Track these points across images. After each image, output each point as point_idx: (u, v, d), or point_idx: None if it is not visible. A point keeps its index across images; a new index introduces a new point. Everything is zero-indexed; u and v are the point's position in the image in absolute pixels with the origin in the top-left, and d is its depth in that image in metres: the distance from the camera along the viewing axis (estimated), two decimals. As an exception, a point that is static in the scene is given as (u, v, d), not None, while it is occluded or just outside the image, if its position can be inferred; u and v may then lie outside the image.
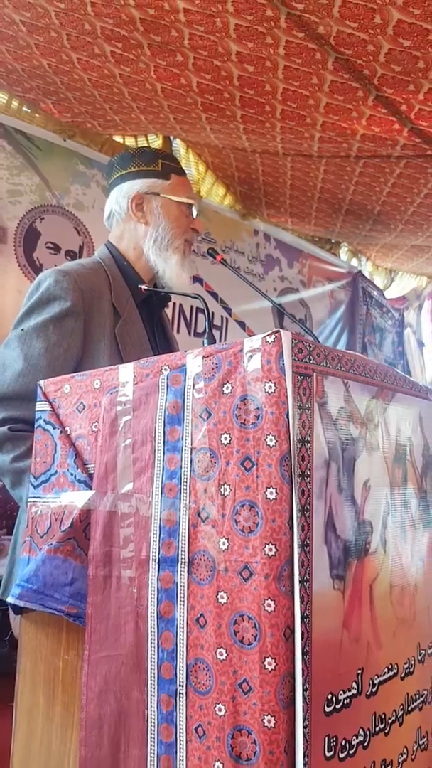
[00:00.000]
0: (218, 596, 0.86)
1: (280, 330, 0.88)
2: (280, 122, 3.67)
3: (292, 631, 0.83)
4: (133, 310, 1.49)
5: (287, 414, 0.85)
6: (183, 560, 0.90)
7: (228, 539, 0.86)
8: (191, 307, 4.49)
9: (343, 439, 0.97)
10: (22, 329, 1.40)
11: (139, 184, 1.56)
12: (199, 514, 0.90)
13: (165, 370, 0.97)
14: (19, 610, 1.05)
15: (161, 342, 1.57)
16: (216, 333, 4.55)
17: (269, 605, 0.82)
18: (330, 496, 0.92)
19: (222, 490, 0.88)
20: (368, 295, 5.98)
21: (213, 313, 4.62)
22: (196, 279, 4.39)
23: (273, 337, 0.87)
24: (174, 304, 4.25)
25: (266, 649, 0.82)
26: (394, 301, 6.85)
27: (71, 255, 4.04)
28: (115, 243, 1.60)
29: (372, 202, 4.67)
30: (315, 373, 0.91)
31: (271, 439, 0.85)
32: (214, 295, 4.64)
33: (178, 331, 4.38)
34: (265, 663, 0.82)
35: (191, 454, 0.92)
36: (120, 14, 2.94)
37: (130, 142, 4.63)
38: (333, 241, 5.91)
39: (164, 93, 3.66)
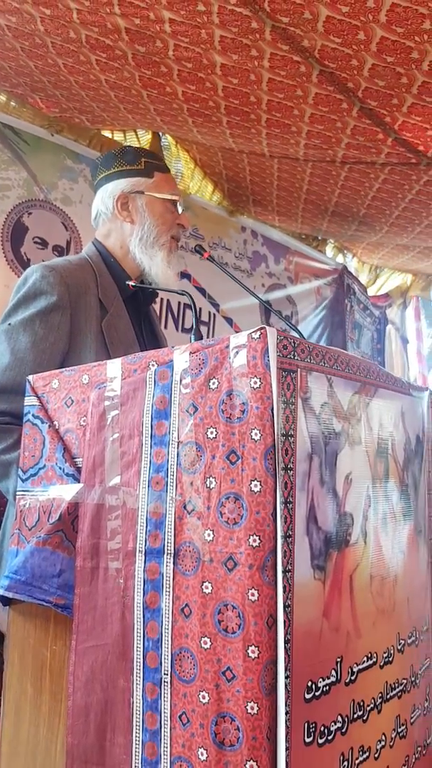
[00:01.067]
0: (203, 586, 0.88)
1: (266, 327, 0.90)
2: (265, 129, 3.69)
3: (275, 620, 0.85)
4: (120, 305, 1.50)
5: (272, 409, 0.87)
6: (169, 551, 0.92)
7: (213, 531, 0.88)
8: (179, 303, 4.51)
9: (326, 433, 0.99)
10: (9, 323, 1.41)
11: (123, 183, 1.58)
12: (185, 507, 0.92)
13: (152, 365, 0.99)
14: (7, 601, 1.07)
15: (148, 337, 1.59)
16: (203, 329, 4.56)
17: (253, 595, 0.85)
18: (312, 489, 0.95)
19: (208, 482, 0.90)
20: (352, 292, 6.03)
21: (200, 309, 4.63)
22: (184, 275, 4.40)
23: (258, 333, 0.89)
24: (161, 300, 4.26)
25: (250, 638, 0.84)
26: (377, 299, 6.89)
27: (59, 250, 4.04)
28: (102, 241, 1.62)
29: (357, 204, 4.70)
30: (299, 369, 0.94)
31: (256, 433, 0.87)
32: (202, 291, 4.66)
33: (165, 326, 4.40)
34: (249, 651, 0.84)
35: (178, 447, 0.94)
36: (105, 23, 2.94)
37: (118, 137, 4.62)
38: (319, 237, 5.94)
39: (150, 98, 3.67)
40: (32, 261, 3.89)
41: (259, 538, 0.85)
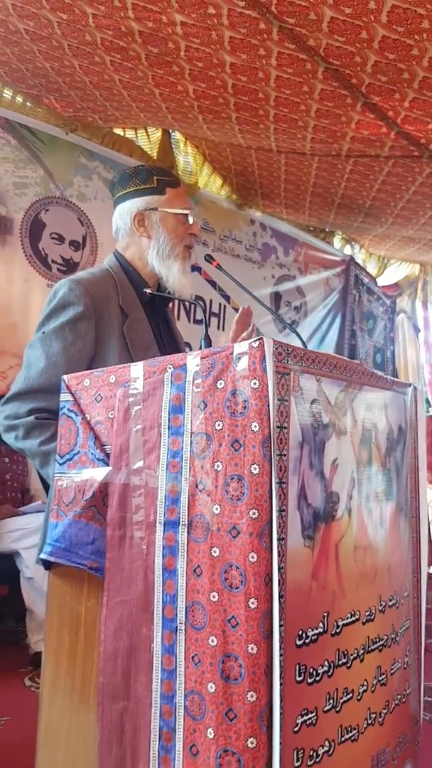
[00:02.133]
0: (212, 551, 1.07)
1: (263, 337, 1.08)
2: (273, 124, 3.84)
3: (271, 578, 1.04)
4: (140, 310, 1.69)
5: (268, 405, 1.06)
6: (183, 523, 1.11)
7: (220, 505, 1.07)
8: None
9: (315, 425, 1.18)
10: (43, 332, 1.61)
11: (139, 202, 1.74)
12: (197, 486, 1.11)
13: (169, 368, 1.18)
14: (48, 565, 1.27)
15: (166, 337, 1.78)
16: (214, 320, 4.75)
17: (253, 557, 1.04)
18: (303, 472, 1.13)
19: (215, 466, 1.09)
20: (360, 282, 6.17)
21: (211, 301, 4.81)
22: (195, 268, 4.58)
23: (257, 343, 1.08)
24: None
25: (250, 592, 1.03)
26: (386, 288, 7.04)
27: (75, 245, 4.23)
28: (122, 252, 1.80)
29: (363, 197, 4.85)
30: (292, 372, 1.12)
31: (255, 426, 1.06)
32: (213, 284, 4.84)
33: (178, 318, 4.60)
34: (249, 603, 1.03)
35: (191, 437, 1.13)
36: (119, 26, 3.10)
37: (130, 134, 4.79)
38: (327, 229, 6.09)
39: (162, 97, 3.83)
40: (50, 256, 4.09)
41: (258, 511, 1.04)
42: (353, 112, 3.52)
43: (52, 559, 1.22)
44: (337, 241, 6.27)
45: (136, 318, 1.66)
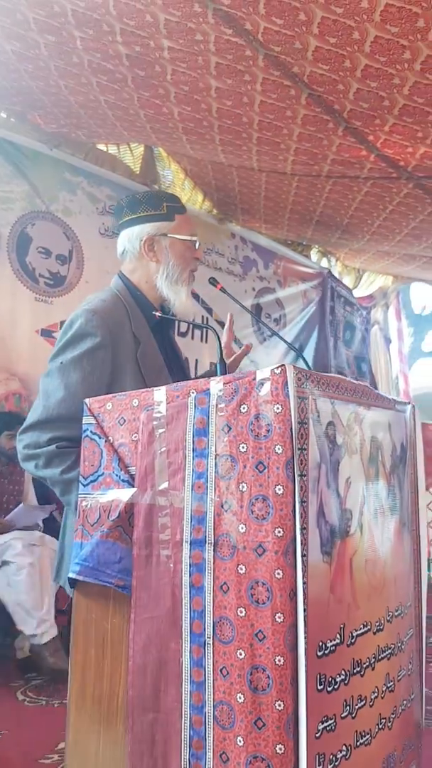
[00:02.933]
0: (238, 568, 1.13)
1: (285, 364, 1.15)
2: (256, 146, 3.93)
3: (295, 593, 1.10)
4: (149, 334, 1.74)
5: (291, 429, 1.12)
6: (210, 541, 1.17)
7: (246, 524, 1.14)
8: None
9: (330, 446, 1.25)
10: (61, 362, 1.64)
11: (149, 227, 1.79)
12: (222, 506, 1.17)
13: (192, 393, 1.23)
14: (73, 585, 1.32)
15: (172, 358, 1.83)
16: (197, 332, 4.81)
17: (278, 574, 1.10)
18: (321, 491, 1.20)
19: (240, 487, 1.15)
20: (338, 294, 6.30)
21: (194, 314, 4.87)
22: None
23: (279, 369, 1.14)
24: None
25: (277, 607, 1.09)
26: (362, 300, 7.18)
27: (62, 259, 4.26)
28: (128, 275, 1.84)
29: (341, 215, 4.97)
30: (310, 396, 1.19)
31: (278, 448, 1.13)
32: (195, 297, 4.90)
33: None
34: (276, 617, 1.09)
35: (215, 459, 1.18)
36: (107, 49, 3.16)
37: (113, 150, 4.85)
38: (304, 243, 6.21)
39: (147, 117, 3.89)
40: (37, 270, 4.13)
41: (283, 530, 1.11)
42: (335, 136, 3.62)
43: (81, 578, 1.26)
44: (313, 254, 6.39)
45: (147, 343, 1.71)
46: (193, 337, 4.86)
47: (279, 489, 1.12)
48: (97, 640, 1.29)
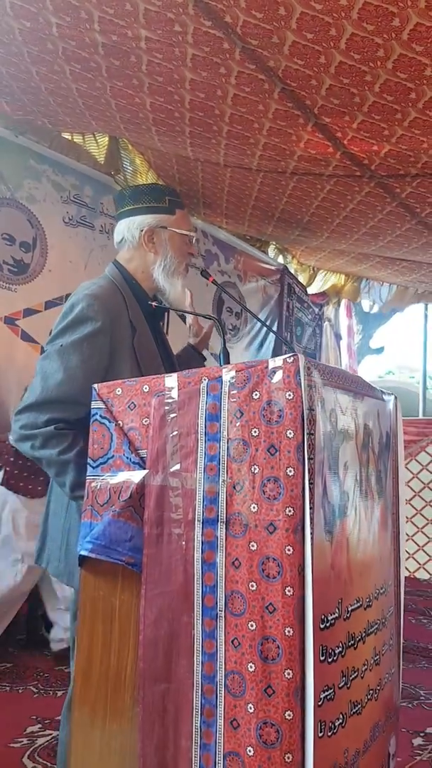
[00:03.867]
0: (250, 545, 1.20)
1: (297, 354, 1.22)
2: (225, 140, 3.98)
3: (303, 568, 1.17)
4: (144, 322, 1.78)
5: (302, 414, 1.19)
6: (222, 520, 1.23)
7: (257, 504, 1.20)
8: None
9: (332, 431, 1.32)
10: (61, 345, 1.66)
11: (150, 218, 1.83)
12: (234, 487, 1.23)
13: (204, 380, 1.29)
14: (81, 563, 1.36)
15: (162, 346, 1.88)
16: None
17: (289, 550, 1.17)
18: (325, 474, 1.28)
19: (252, 469, 1.21)
20: (292, 291, 6.42)
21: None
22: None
23: (292, 359, 1.21)
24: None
25: (287, 581, 1.16)
26: (315, 297, 7.33)
27: (25, 246, 4.23)
28: (124, 264, 1.87)
29: (302, 213, 5.06)
30: (317, 385, 1.26)
31: (290, 433, 1.19)
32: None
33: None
34: (286, 590, 1.16)
35: (227, 443, 1.24)
36: (83, 37, 3.15)
37: (78, 139, 4.83)
38: (263, 239, 6.30)
39: (117, 107, 3.90)
40: (0, 257, 4.08)
41: (293, 509, 1.18)
42: (303, 131, 3.70)
43: (93, 555, 1.31)
44: (271, 250, 6.49)
45: (142, 331, 1.76)
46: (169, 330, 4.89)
47: (290, 471, 1.18)
48: (105, 616, 1.34)
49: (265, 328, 5.79)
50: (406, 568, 7.06)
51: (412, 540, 7.14)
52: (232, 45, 2.95)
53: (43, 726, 2.76)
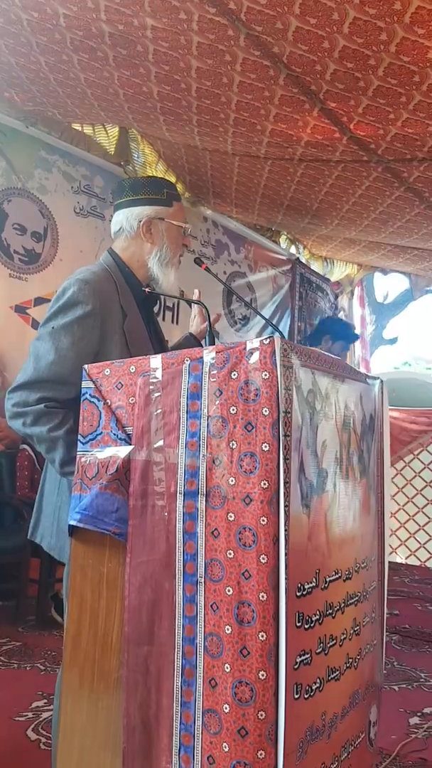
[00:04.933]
0: (228, 516, 1.27)
1: (274, 336, 1.28)
2: (232, 128, 4.03)
3: (278, 538, 1.24)
4: (135, 309, 1.86)
5: (277, 393, 1.26)
6: (202, 492, 1.30)
7: (235, 478, 1.27)
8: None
9: (311, 411, 1.39)
10: (53, 327, 1.74)
11: (149, 209, 1.90)
12: (213, 461, 1.30)
13: (187, 360, 1.36)
14: (71, 533, 1.44)
15: (154, 332, 1.95)
16: (168, 313, 4.93)
17: (263, 521, 1.23)
18: (301, 450, 1.34)
19: (230, 444, 1.28)
20: (307, 281, 6.45)
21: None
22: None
23: (268, 340, 1.27)
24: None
25: (261, 549, 1.23)
26: (331, 286, 7.37)
27: (36, 236, 4.32)
28: (119, 252, 1.94)
29: (311, 200, 5.10)
30: (294, 365, 1.32)
31: (265, 410, 1.26)
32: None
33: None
34: (261, 558, 1.23)
35: (207, 420, 1.31)
36: (90, 27, 3.22)
37: (88, 130, 4.90)
38: (273, 229, 6.34)
39: (125, 97, 3.96)
40: (11, 246, 4.18)
41: (268, 482, 1.24)
42: (310, 117, 3.73)
43: (81, 525, 1.38)
44: (283, 240, 6.53)
45: (133, 317, 1.83)
46: (164, 318, 4.97)
47: (265, 446, 1.25)
48: (93, 583, 1.42)
49: (276, 317, 5.84)
50: (417, 557, 7.11)
51: (423, 530, 7.18)
52: (237, 32, 2.99)
53: (48, 701, 2.86)
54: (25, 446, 4.13)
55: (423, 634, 4.26)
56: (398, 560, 7.02)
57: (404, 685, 3.35)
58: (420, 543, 7.12)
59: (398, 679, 3.42)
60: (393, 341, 9.91)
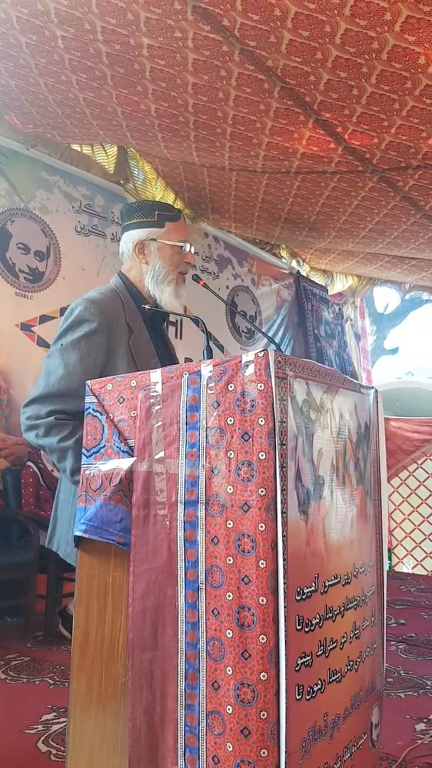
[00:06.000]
0: (227, 523, 1.31)
1: (268, 349, 1.33)
2: (229, 142, 4.10)
3: (276, 544, 1.29)
4: (142, 326, 1.94)
5: (272, 404, 1.31)
6: (202, 501, 1.35)
7: (233, 486, 1.32)
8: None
9: (306, 420, 1.44)
10: (62, 344, 1.85)
11: (140, 232, 2.01)
12: (212, 471, 1.35)
13: (185, 374, 1.41)
14: (77, 543, 1.48)
15: (162, 348, 2.03)
16: (172, 328, 4.99)
17: (261, 527, 1.28)
18: (298, 459, 1.39)
19: (228, 454, 1.33)
20: (310, 293, 6.52)
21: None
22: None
23: (263, 353, 1.33)
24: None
25: (260, 555, 1.28)
26: (333, 297, 7.44)
27: (40, 255, 4.39)
28: (125, 273, 2.06)
29: (308, 212, 5.17)
30: (288, 377, 1.37)
31: (261, 420, 1.31)
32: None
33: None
34: (260, 564, 1.28)
35: (206, 431, 1.36)
36: (88, 47, 3.30)
37: (87, 150, 4.99)
38: (273, 243, 6.41)
39: (123, 115, 4.04)
40: (17, 265, 4.25)
41: (265, 490, 1.29)
42: (305, 128, 3.80)
43: (86, 535, 1.43)
44: (284, 254, 6.60)
45: (140, 333, 1.91)
46: (168, 333, 5.02)
47: (262, 455, 1.30)
48: (99, 592, 1.46)
49: (281, 330, 5.90)
50: (423, 567, 7.11)
51: (429, 539, 7.19)
52: (231, 47, 3.07)
53: (58, 714, 2.89)
54: (30, 463, 4.18)
55: (429, 643, 4.27)
56: (405, 570, 7.03)
57: (411, 693, 3.37)
58: (426, 552, 7.14)
59: (405, 687, 3.44)
60: (394, 351, 9.97)
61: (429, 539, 7.19)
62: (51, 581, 3.93)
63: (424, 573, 6.93)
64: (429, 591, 5.94)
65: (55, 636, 3.93)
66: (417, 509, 7.41)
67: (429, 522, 7.30)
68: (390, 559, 7.11)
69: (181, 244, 2.00)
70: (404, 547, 7.21)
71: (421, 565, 7.09)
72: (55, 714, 2.89)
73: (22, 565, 3.81)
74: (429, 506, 7.40)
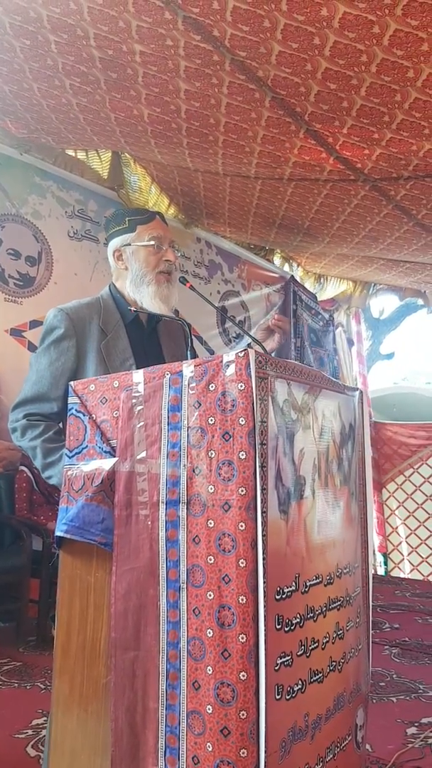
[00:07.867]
0: (208, 522, 1.32)
1: (248, 349, 1.34)
2: (221, 149, 4.12)
3: (256, 543, 1.29)
4: (121, 329, 1.97)
5: (252, 404, 1.31)
6: (183, 501, 1.35)
7: (214, 485, 1.32)
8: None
9: (287, 420, 1.44)
10: (37, 353, 1.96)
11: (116, 241, 2.07)
12: (193, 471, 1.35)
13: (167, 374, 1.42)
14: (59, 544, 1.49)
15: (150, 349, 2.04)
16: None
17: (242, 526, 1.28)
18: (278, 458, 1.39)
19: (209, 453, 1.33)
20: (299, 299, 6.54)
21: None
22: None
23: (243, 353, 1.33)
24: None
25: (240, 554, 1.28)
26: (324, 303, 7.45)
27: (31, 261, 4.40)
28: (114, 282, 2.12)
29: (302, 218, 5.19)
30: (269, 377, 1.38)
31: (242, 420, 1.31)
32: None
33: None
34: (239, 563, 1.28)
35: (187, 431, 1.37)
36: (81, 53, 3.32)
37: (81, 155, 5.00)
38: (267, 247, 6.43)
39: (117, 121, 4.05)
40: (6, 270, 4.26)
41: (245, 489, 1.29)
42: (296, 138, 3.82)
43: (68, 536, 1.44)
44: (277, 259, 6.61)
45: (115, 336, 1.97)
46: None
47: (242, 455, 1.30)
48: (81, 592, 1.47)
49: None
50: (420, 572, 7.11)
51: (426, 544, 7.20)
52: (222, 57, 3.09)
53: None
54: (24, 468, 4.18)
55: (423, 647, 4.27)
56: (401, 575, 7.03)
57: (402, 697, 3.37)
58: (422, 557, 7.14)
59: (397, 691, 3.44)
60: (390, 356, 9.99)
61: (425, 544, 7.19)
62: (44, 586, 3.92)
63: (420, 578, 6.93)
64: (424, 595, 5.94)
65: (48, 641, 3.92)
66: (413, 514, 7.41)
67: (425, 527, 7.30)
68: (386, 564, 7.12)
69: (152, 242, 2.01)
70: (400, 552, 7.21)
71: (417, 570, 7.08)
72: (45, 718, 2.89)
73: (14, 569, 3.80)
74: (425, 511, 7.40)
